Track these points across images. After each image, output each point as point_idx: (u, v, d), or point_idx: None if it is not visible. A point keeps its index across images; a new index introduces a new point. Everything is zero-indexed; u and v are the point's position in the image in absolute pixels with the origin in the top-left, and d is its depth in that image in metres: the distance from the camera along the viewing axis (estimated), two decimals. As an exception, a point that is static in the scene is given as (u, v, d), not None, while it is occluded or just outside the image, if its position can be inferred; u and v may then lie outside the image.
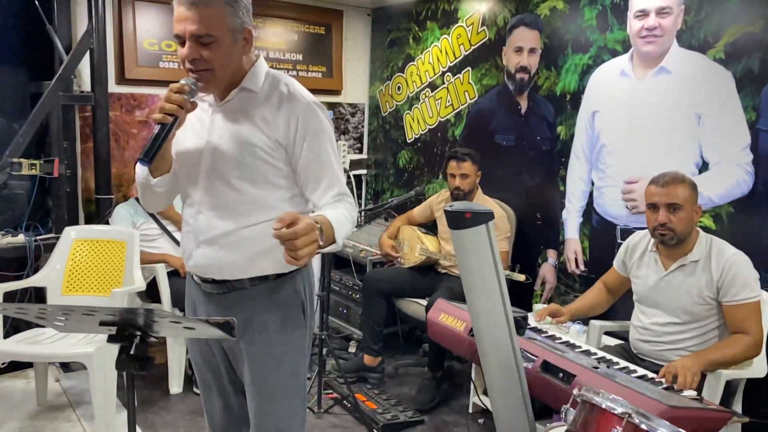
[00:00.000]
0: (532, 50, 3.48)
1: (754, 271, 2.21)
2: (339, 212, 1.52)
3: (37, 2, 3.23)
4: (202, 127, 1.62)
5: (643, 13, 2.92)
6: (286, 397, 1.69)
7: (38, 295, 3.27)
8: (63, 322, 1.39)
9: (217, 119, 1.60)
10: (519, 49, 3.55)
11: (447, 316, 2.42)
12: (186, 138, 1.63)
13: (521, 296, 3.49)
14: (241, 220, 1.59)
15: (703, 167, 2.75)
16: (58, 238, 3.15)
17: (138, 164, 1.63)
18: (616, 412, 1.43)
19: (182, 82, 1.51)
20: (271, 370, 1.65)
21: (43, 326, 2.73)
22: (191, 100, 1.52)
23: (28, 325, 2.90)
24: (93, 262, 3.11)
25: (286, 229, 1.29)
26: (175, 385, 3.22)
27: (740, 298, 2.16)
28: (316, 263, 3.89)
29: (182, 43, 1.50)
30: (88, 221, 3.60)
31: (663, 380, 2.02)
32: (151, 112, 3.79)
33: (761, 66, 2.53)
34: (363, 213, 4.43)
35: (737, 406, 2.33)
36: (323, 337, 2.97)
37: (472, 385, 3.03)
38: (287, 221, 1.30)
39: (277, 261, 1.59)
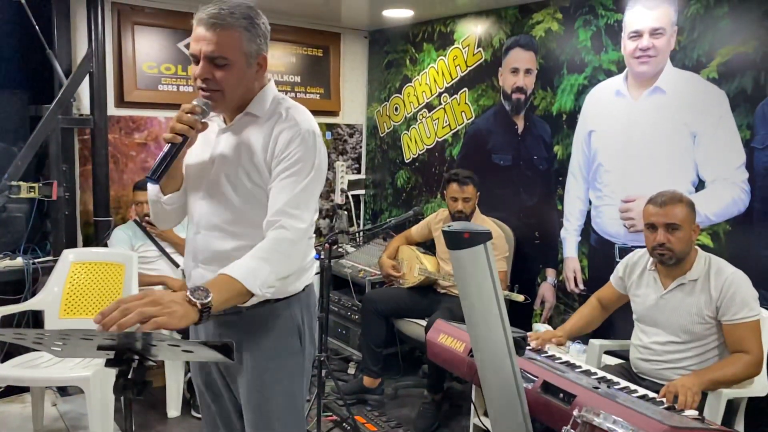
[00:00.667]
0: (527, 71, 3.52)
1: (753, 289, 2.20)
2: (250, 257, 1.43)
3: (37, 27, 3.26)
4: (207, 147, 1.63)
5: (637, 34, 2.96)
6: (281, 422, 1.67)
7: (36, 318, 3.26)
8: (61, 347, 1.38)
9: (222, 141, 1.62)
10: (515, 70, 3.59)
11: (446, 337, 2.41)
12: (194, 156, 1.65)
13: (521, 316, 3.48)
14: (237, 240, 1.58)
15: (700, 185, 2.76)
16: (56, 261, 3.15)
17: (149, 183, 1.64)
18: (617, 433, 1.42)
19: (194, 103, 1.53)
20: (264, 395, 1.64)
21: (40, 351, 2.71)
22: (202, 120, 1.54)
23: (26, 349, 2.88)
24: (91, 285, 3.10)
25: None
26: (173, 409, 3.19)
27: (739, 317, 2.16)
28: (314, 285, 3.88)
29: (197, 62, 1.51)
30: (86, 244, 3.59)
31: (664, 400, 2.01)
32: (150, 135, 3.82)
33: (754, 85, 2.56)
34: (361, 233, 4.45)
35: (739, 426, 2.31)
36: (322, 358, 2.95)
37: (472, 407, 3.01)
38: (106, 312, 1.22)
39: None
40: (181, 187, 1.67)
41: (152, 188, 1.67)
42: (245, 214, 1.57)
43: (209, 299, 1.33)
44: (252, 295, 1.41)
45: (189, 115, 1.51)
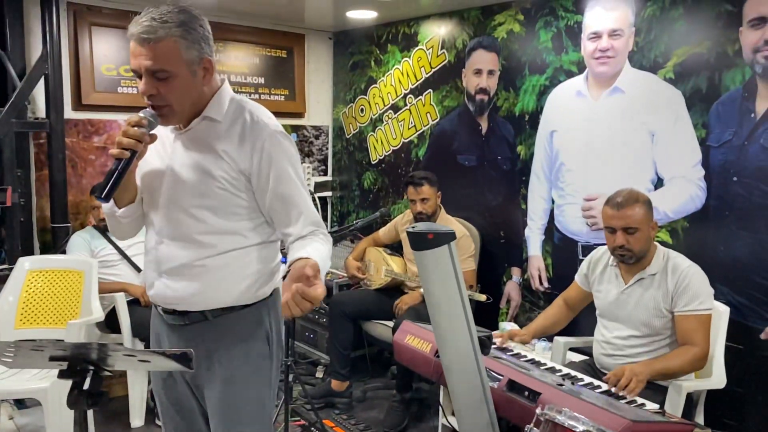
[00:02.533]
0: (490, 72, 3.55)
1: (707, 285, 2.25)
2: (321, 251, 1.48)
3: (-12, 28, 3.16)
4: (163, 154, 1.58)
5: (596, 35, 3.01)
6: (250, 429, 1.64)
7: (-10, 329, 3.14)
8: (12, 357, 1.34)
9: (178, 147, 1.57)
10: (478, 71, 3.61)
11: (413, 338, 2.41)
12: (149, 163, 1.59)
13: (486, 315, 3.50)
14: (203, 250, 1.54)
15: (658, 183, 2.82)
16: (11, 270, 3.04)
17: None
18: (577, 430, 1.43)
19: (140, 115, 1.47)
20: (236, 403, 1.61)
21: (-6, 362, 2.62)
22: (150, 132, 1.48)
23: (-21, 361, 2.78)
24: (48, 294, 3.00)
25: (309, 289, 1.28)
26: (137, 418, 3.11)
27: (689, 309, 2.20)
28: (280, 289, 3.85)
29: (140, 77, 1.46)
30: (44, 251, 3.49)
31: (611, 387, 2.05)
32: (110, 140, 3.73)
33: (709, 85, 2.63)
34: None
35: (699, 418, 2.36)
36: (289, 363, 2.91)
37: (440, 407, 3.01)
38: (314, 276, 1.29)
39: (239, 292, 1.58)
40: (137, 197, 1.61)
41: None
42: (212, 222, 1.54)
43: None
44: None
45: (135, 128, 1.45)
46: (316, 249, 1.48)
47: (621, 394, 2.01)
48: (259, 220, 1.60)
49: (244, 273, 1.58)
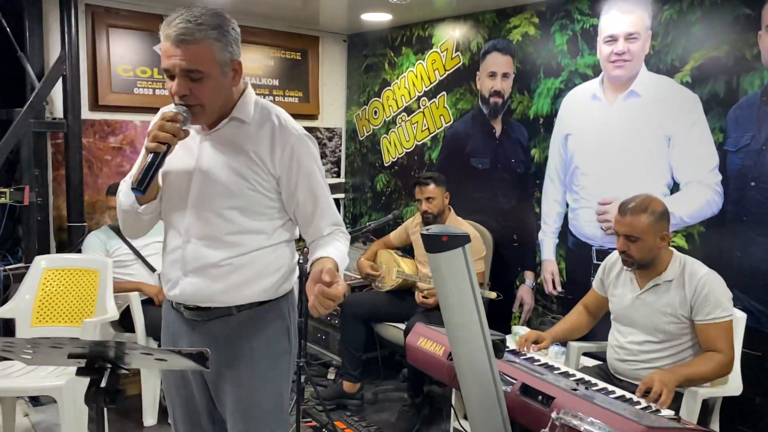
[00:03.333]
0: (505, 75, 3.54)
1: (726, 290, 2.24)
2: (340, 250, 1.60)
3: (8, 29, 3.20)
4: (189, 154, 1.60)
5: (612, 39, 2.99)
6: (269, 426, 1.67)
7: (7, 326, 3.18)
8: (31, 355, 1.35)
9: (206, 147, 1.59)
10: (492, 74, 3.61)
11: (426, 341, 2.40)
12: (172, 165, 1.60)
13: (499, 318, 3.49)
14: (231, 249, 1.58)
15: (674, 188, 2.80)
16: (28, 268, 3.08)
17: (121, 191, 1.63)
18: (594, 435, 1.42)
19: (174, 110, 1.49)
20: (257, 397, 1.64)
21: (10, 359, 2.65)
22: (184, 128, 1.50)
23: (-4, 358, 2.82)
24: (64, 292, 3.03)
25: (330, 289, 1.39)
26: (150, 417, 3.13)
27: (712, 318, 2.19)
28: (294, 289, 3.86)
29: (171, 78, 1.49)
30: (60, 250, 3.52)
31: (641, 400, 2.02)
32: (125, 139, 3.76)
33: (727, 89, 2.61)
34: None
35: (714, 425, 2.34)
36: (301, 364, 2.92)
37: (452, 410, 3.01)
38: (331, 280, 1.39)
39: (265, 288, 1.63)
40: (158, 196, 1.63)
41: (126, 199, 1.62)
42: (240, 222, 1.57)
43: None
44: None
45: (171, 123, 1.47)
46: (337, 248, 1.59)
47: (653, 406, 1.98)
48: (283, 220, 1.66)
49: (269, 270, 1.63)
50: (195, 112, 1.52)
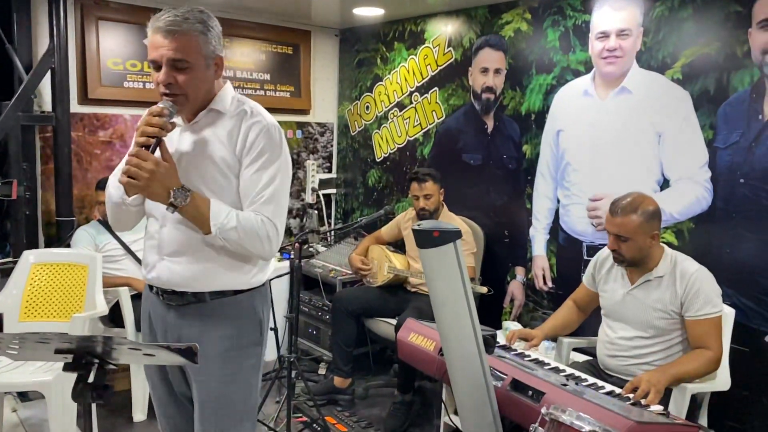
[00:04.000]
0: (497, 71, 3.54)
1: (716, 286, 2.25)
2: (233, 210, 1.59)
3: (-5, 21, 3.16)
4: (168, 144, 1.66)
5: (604, 35, 3.00)
6: (237, 420, 1.71)
7: (-6, 321, 3.15)
8: (17, 350, 1.34)
9: (185, 137, 1.67)
10: (485, 70, 3.60)
11: (417, 336, 2.41)
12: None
13: (490, 314, 3.50)
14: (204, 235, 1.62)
15: (665, 184, 2.81)
16: (16, 263, 3.05)
17: (110, 184, 1.71)
18: (583, 429, 1.43)
19: (161, 105, 1.58)
20: (224, 387, 1.68)
21: (-2, 354, 2.63)
22: (170, 121, 1.59)
23: (-17, 354, 2.79)
24: (53, 287, 3.01)
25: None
26: (139, 413, 3.12)
27: (702, 314, 2.20)
28: (284, 284, 3.85)
29: (157, 69, 1.59)
30: (48, 245, 3.50)
31: (630, 396, 2.03)
32: (115, 133, 3.73)
33: (717, 86, 2.62)
34: (332, 232, 4.42)
35: (703, 420, 2.36)
36: (292, 359, 2.92)
37: (442, 405, 3.01)
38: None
39: (236, 276, 1.69)
40: None
41: (115, 191, 1.70)
42: None
43: (183, 204, 1.54)
44: (208, 231, 1.57)
45: (158, 117, 1.56)
46: (235, 212, 1.59)
47: (642, 402, 1.99)
48: None
49: (243, 259, 1.68)
50: (178, 102, 1.60)
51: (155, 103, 1.60)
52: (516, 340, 2.49)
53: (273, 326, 2.22)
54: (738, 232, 2.58)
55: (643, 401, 1.99)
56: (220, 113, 1.66)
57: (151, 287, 1.75)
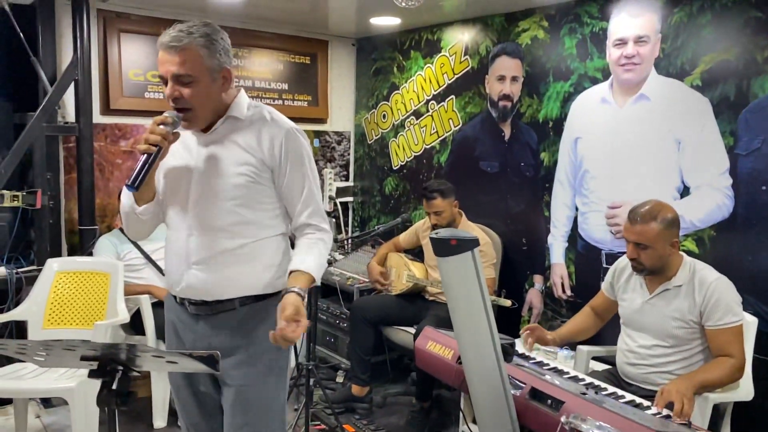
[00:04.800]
0: (514, 78, 3.54)
1: (736, 294, 2.22)
2: (320, 259, 1.70)
3: (21, 34, 3.23)
4: (189, 154, 1.70)
5: (622, 42, 2.99)
6: (267, 421, 1.73)
7: (19, 328, 3.21)
8: (44, 357, 1.37)
9: (205, 147, 1.69)
10: (501, 78, 3.61)
11: (435, 344, 2.40)
12: (173, 165, 1.71)
13: (508, 322, 3.48)
14: (233, 240, 1.67)
15: (685, 192, 2.79)
16: (40, 271, 3.11)
17: (123, 194, 1.73)
18: (604, 439, 1.42)
19: (165, 114, 1.61)
20: (255, 391, 1.70)
21: (23, 361, 2.68)
22: (174, 131, 1.61)
23: (8, 360, 2.84)
24: (76, 295, 3.06)
25: (293, 328, 1.51)
26: (159, 419, 3.15)
27: (723, 323, 2.17)
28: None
29: (166, 83, 1.62)
30: (71, 253, 3.56)
31: (657, 408, 2.01)
32: (136, 142, 3.79)
33: (737, 92, 2.59)
34: (349, 240, 4.44)
35: (725, 430, 2.33)
36: (310, 367, 2.93)
37: (461, 414, 3.00)
38: (293, 319, 1.52)
39: (265, 280, 1.71)
40: (155, 197, 1.73)
41: (126, 201, 1.74)
42: (242, 213, 1.67)
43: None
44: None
45: (161, 126, 1.59)
46: (316, 257, 1.69)
47: (678, 421, 1.95)
48: (279, 211, 1.75)
49: (270, 262, 1.72)
50: (188, 117, 1.63)
51: None
52: (531, 338, 2.45)
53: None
54: (760, 240, 2.54)
55: (678, 417, 1.95)
56: (238, 119, 1.69)
57: (175, 298, 1.76)
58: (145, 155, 1.58)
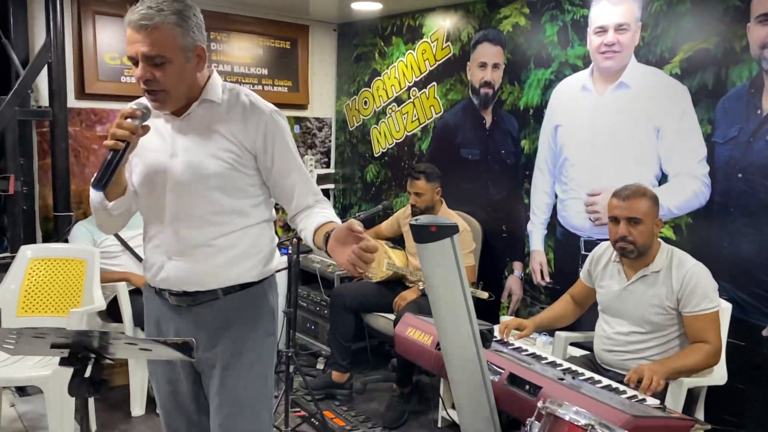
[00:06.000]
0: (495, 65, 3.53)
1: (713, 281, 2.25)
2: (334, 217, 1.60)
3: (-8, 15, 3.15)
4: (163, 142, 1.61)
5: (602, 30, 2.99)
6: (255, 410, 1.69)
7: (-8, 316, 3.15)
8: (13, 344, 1.34)
9: (180, 131, 1.61)
10: (483, 65, 3.60)
11: (414, 331, 2.41)
12: (147, 155, 1.62)
13: (488, 309, 3.49)
14: (214, 229, 1.61)
15: (663, 179, 2.81)
16: (13, 258, 3.05)
17: (91, 191, 1.63)
18: (579, 423, 1.43)
19: (133, 106, 1.52)
20: (242, 380, 1.66)
21: (-4, 349, 2.63)
22: (143, 124, 1.52)
23: (-19, 349, 2.79)
24: (50, 282, 3.01)
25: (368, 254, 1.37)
26: (137, 407, 3.13)
27: (700, 309, 2.20)
28: (282, 279, 3.84)
29: (136, 64, 1.52)
30: (46, 240, 3.49)
31: (627, 389, 2.04)
32: (110, 129, 3.72)
33: (715, 80, 2.61)
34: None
35: (699, 414, 2.37)
36: (290, 354, 2.92)
37: (440, 400, 3.02)
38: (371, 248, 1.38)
39: (248, 269, 1.66)
40: (126, 190, 1.64)
41: (96, 196, 1.63)
42: (222, 202, 1.60)
43: None
44: None
45: (129, 120, 1.49)
46: (332, 216, 1.60)
47: (641, 395, 1.99)
48: (261, 198, 1.68)
49: (252, 251, 1.66)
50: (160, 99, 1.54)
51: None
52: (509, 332, 2.49)
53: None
54: (736, 227, 2.58)
55: (640, 394, 1.99)
56: (214, 103, 1.60)
57: (155, 289, 1.70)
58: (112, 152, 1.47)
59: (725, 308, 2.38)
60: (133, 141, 1.49)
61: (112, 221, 1.69)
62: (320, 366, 3.77)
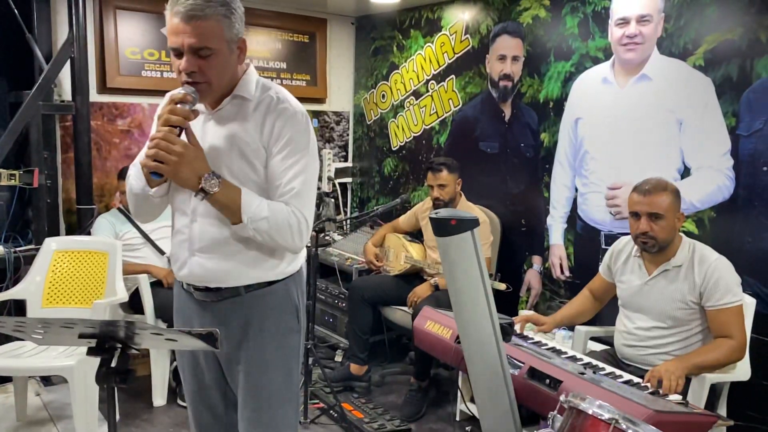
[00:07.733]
0: (515, 58, 3.50)
1: (736, 275, 2.22)
2: (264, 200, 1.54)
3: (16, 11, 3.19)
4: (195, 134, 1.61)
5: (624, 21, 2.95)
6: (279, 404, 1.70)
7: (18, 307, 3.21)
8: (42, 334, 1.37)
9: (210, 127, 1.61)
10: (502, 57, 3.57)
11: (433, 324, 2.41)
12: None
13: (507, 303, 3.48)
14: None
15: (685, 173, 2.78)
16: (38, 250, 3.10)
17: (133, 177, 1.64)
18: (603, 417, 1.43)
19: (183, 91, 1.51)
20: (266, 375, 1.67)
21: (22, 339, 2.68)
22: (193, 108, 1.52)
23: (8, 338, 2.85)
24: (74, 274, 3.06)
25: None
26: (159, 398, 3.17)
27: (723, 303, 2.18)
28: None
29: (178, 56, 1.51)
30: (69, 232, 3.55)
31: (648, 385, 2.03)
32: (133, 122, 3.77)
33: (740, 72, 2.57)
34: (348, 221, 4.43)
35: (722, 410, 2.34)
36: (309, 346, 2.94)
37: (459, 393, 3.02)
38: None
39: (270, 267, 1.65)
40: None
41: (136, 183, 1.63)
42: None
43: (212, 192, 1.49)
44: (238, 220, 1.52)
45: (181, 105, 1.49)
46: (266, 202, 1.54)
47: (661, 391, 1.98)
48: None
49: (275, 249, 1.63)
50: (201, 90, 1.53)
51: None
52: (524, 325, 2.48)
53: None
54: (760, 221, 2.54)
55: (667, 390, 1.98)
56: (246, 99, 1.58)
57: (182, 284, 1.71)
58: None
59: (749, 303, 2.35)
60: (185, 126, 1.50)
61: (151, 208, 1.69)
62: (338, 358, 3.79)
